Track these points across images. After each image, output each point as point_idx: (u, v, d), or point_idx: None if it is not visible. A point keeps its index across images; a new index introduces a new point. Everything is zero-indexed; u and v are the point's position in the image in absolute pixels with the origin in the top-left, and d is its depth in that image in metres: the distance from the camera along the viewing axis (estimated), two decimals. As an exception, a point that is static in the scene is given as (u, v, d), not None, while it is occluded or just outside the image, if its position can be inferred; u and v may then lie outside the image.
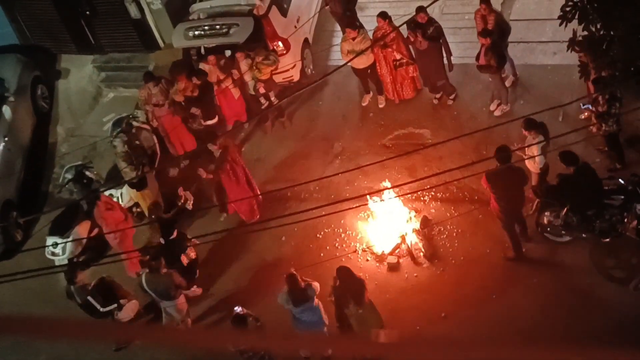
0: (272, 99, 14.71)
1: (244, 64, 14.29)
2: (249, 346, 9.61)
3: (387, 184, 12.76)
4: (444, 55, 13.75)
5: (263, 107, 14.64)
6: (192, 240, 12.28)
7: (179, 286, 11.75)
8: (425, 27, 13.54)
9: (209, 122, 14.51)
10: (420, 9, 13.23)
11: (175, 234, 12.11)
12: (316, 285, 10.68)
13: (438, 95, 14.50)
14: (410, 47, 13.91)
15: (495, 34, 13.13)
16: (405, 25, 12.95)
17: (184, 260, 12.06)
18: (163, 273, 11.61)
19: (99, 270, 12.25)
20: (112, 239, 12.82)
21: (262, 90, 14.53)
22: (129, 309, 12.09)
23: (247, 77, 14.41)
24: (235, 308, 10.91)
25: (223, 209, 13.53)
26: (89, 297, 11.64)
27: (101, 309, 11.68)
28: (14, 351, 12.65)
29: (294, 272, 10.63)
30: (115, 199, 13.69)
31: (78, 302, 11.80)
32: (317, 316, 10.78)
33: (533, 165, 11.64)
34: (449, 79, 14.14)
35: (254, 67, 14.21)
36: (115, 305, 11.86)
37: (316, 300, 10.72)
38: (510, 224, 11.62)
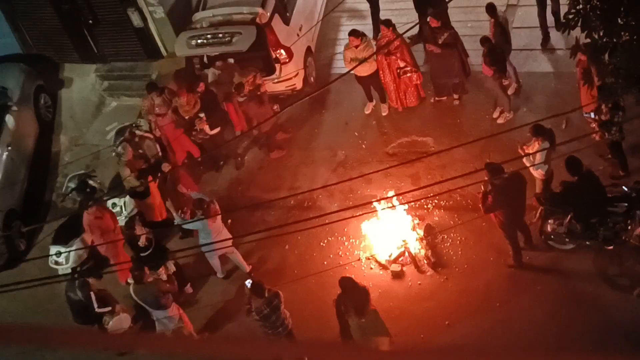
0: (275, 107, 14.63)
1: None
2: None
3: (391, 192, 12.74)
4: (461, 56, 13.77)
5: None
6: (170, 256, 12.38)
7: (168, 293, 11.69)
8: (438, 33, 13.56)
9: (213, 132, 14.50)
10: (432, 14, 13.21)
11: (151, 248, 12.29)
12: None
13: (456, 96, 14.47)
14: (425, 49, 13.89)
15: (492, 42, 13.17)
16: (408, 33, 12.94)
17: (163, 272, 11.82)
18: (148, 282, 11.59)
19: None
20: (100, 246, 12.82)
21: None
22: (122, 321, 12.05)
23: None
24: (247, 282, 11.25)
25: None
26: (92, 293, 11.72)
27: (96, 309, 11.76)
28: (17, 360, 12.62)
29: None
30: (118, 208, 13.67)
31: (77, 297, 11.79)
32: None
33: (538, 172, 11.63)
34: (464, 79, 14.15)
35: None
36: (110, 308, 11.88)
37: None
38: (513, 232, 11.60)
